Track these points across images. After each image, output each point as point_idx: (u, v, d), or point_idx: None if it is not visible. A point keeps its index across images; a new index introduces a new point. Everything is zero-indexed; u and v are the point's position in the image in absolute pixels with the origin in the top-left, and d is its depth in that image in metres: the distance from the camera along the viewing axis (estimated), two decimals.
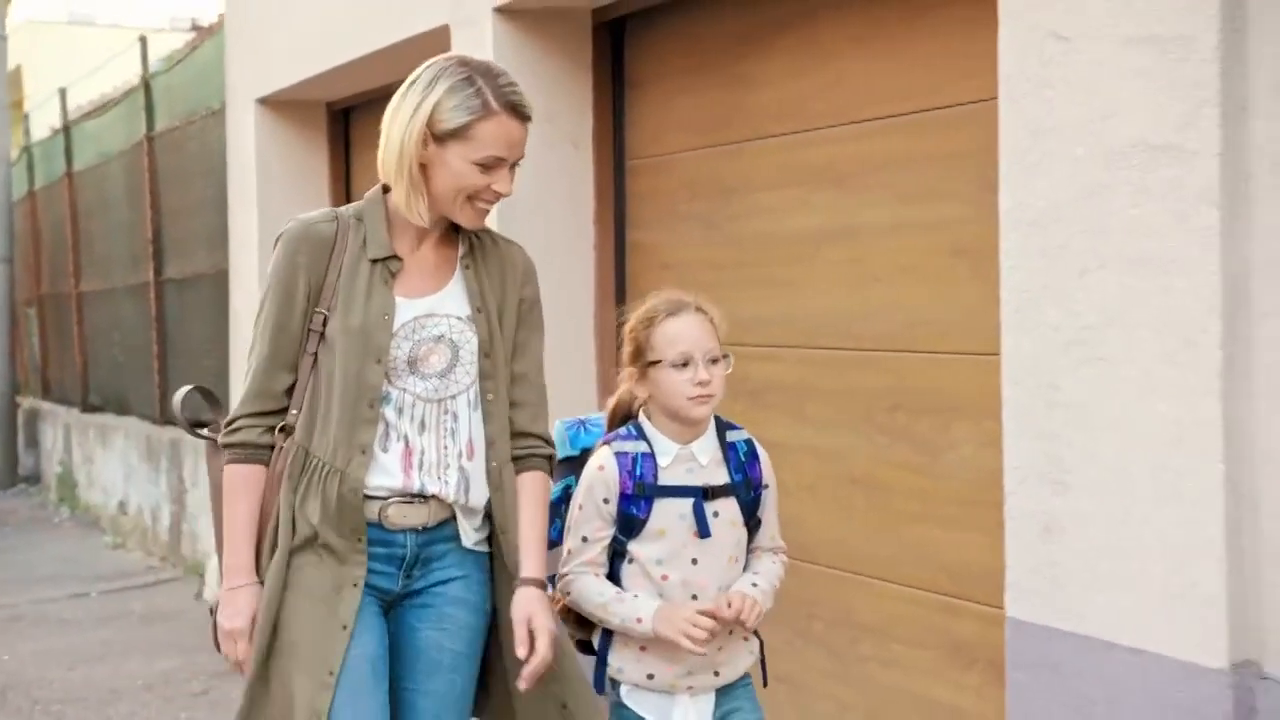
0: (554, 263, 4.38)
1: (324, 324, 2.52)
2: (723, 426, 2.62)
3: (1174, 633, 2.51)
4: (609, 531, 2.55)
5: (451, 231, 2.61)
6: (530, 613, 2.50)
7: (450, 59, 2.54)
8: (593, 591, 2.55)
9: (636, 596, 2.53)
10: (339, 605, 2.48)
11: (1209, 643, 2.45)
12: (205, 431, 2.72)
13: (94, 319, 10.91)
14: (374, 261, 2.54)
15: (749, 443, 2.64)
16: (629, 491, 2.53)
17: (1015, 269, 2.81)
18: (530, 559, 2.55)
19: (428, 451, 2.52)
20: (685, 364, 2.52)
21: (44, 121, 12.86)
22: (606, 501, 2.54)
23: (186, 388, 2.85)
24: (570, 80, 4.55)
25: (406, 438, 2.52)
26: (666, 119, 4.39)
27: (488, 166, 2.48)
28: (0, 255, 12.60)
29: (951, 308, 3.36)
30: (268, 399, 2.54)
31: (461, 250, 2.61)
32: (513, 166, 2.53)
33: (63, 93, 11.68)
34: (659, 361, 2.53)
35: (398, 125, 2.50)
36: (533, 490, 2.61)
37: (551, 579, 2.62)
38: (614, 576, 2.57)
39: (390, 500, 2.51)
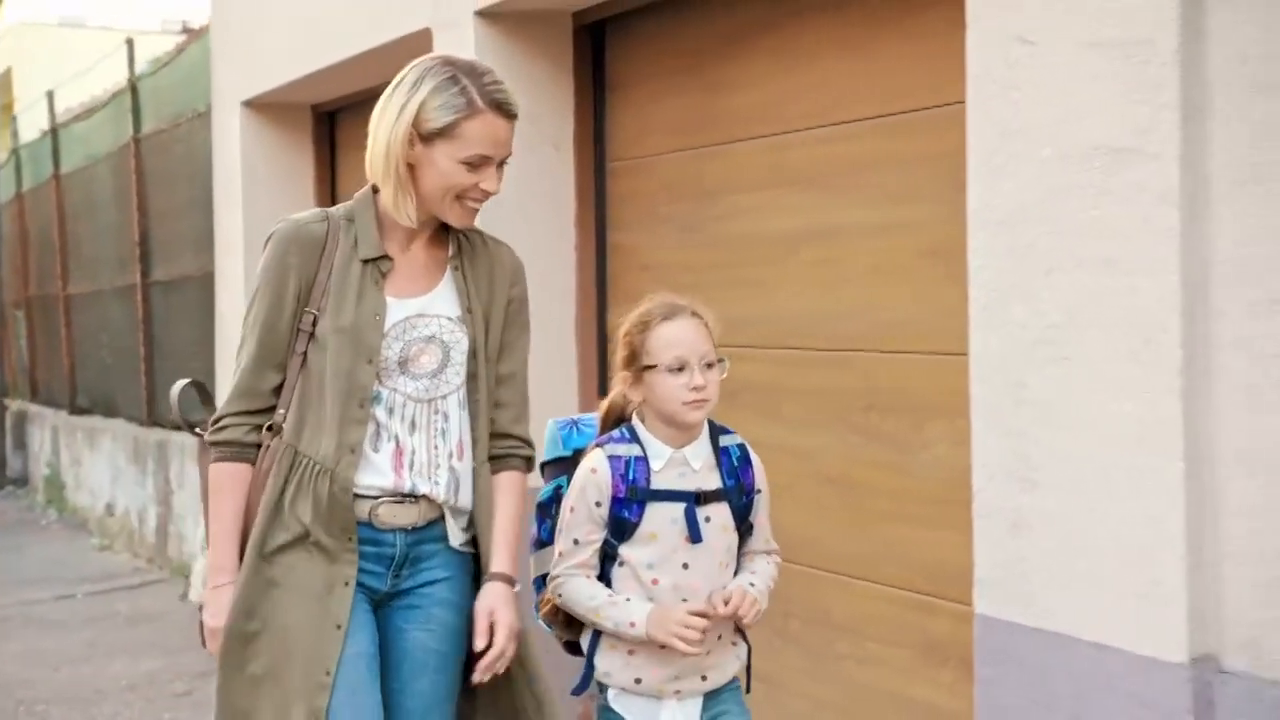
0: (535, 264, 4.31)
1: (314, 324, 2.52)
2: (716, 431, 2.60)
3: (1136, 628, 2.53)
4: (600, 534, 2.52)
5: (441, 232, 2.62)
6: (493, 606, 2.53)
7: (435, 59, 2.55)
8: (584, 594, 2.53)
9: (629, 600, 2.50)
10: (331, 604, 2.49)
11: (1169, 638, 2.47)
12: (196, 429, 2.71)
13: (82, 321, 10.91)
14: (365, 262, 2.54)
15: (742, 447, 2.62)
16: (621, 495, 2.50)
17: (983, 268, 2.84)
18: (500, 554, 2.58)
19: (419, 451, 2.54)
20: (680, 369, 2.49)
21: (33, 124, 12.84)
22: (598, 504, 2.51)
23: (183, 381, 2.85)
24: (551, 83, 4.57)
25: (397, 437, 2.53)
26: (647, 121, 4.41)
27: (475, 165, 2.49)
28: None
29: (925, 308, 3.39)
30: (255, 398, 2.55)
31: (450, 250, 2.62)
32: (500, 164, 2.53)
33: (50, 95, 11.68)
34: (654, 366, 2.50)
35: (384, 126, 2.51)
36: (509, 489, 2.63)
37: (542, 579, 2.61)
38: (604, 579, 2.54)
39: (381, 500, 2.52)
